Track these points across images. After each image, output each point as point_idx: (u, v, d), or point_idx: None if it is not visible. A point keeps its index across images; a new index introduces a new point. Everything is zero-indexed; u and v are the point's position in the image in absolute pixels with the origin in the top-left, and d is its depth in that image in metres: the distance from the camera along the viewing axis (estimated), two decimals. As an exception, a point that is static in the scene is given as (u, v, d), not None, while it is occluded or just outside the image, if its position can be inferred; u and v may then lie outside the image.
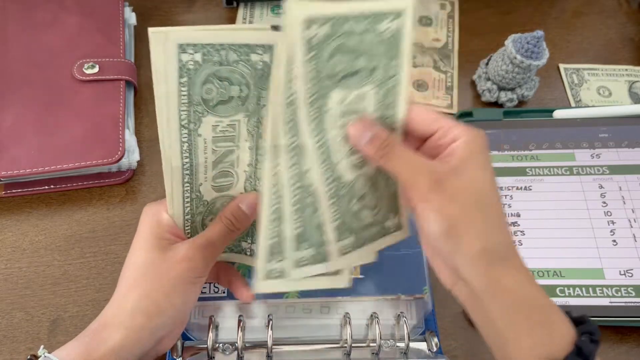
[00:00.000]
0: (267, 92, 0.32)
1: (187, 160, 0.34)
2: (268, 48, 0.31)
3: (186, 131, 0.32)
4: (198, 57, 0.30)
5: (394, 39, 0.31)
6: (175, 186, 0.34)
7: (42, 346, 0.33)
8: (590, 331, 0.30)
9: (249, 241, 0.39)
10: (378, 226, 0.37)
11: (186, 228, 0.36)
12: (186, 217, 0.36)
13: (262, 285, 0.35)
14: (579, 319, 0.31)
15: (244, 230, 0.37)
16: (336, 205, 0.35)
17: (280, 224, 0.34)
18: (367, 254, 0.38)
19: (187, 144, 0.33)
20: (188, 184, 0.35)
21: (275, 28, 0.31)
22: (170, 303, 0.34)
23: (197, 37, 0.30)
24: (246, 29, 0.32)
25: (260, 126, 0.34)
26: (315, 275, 0.36)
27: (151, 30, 0.29)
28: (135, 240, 0.35)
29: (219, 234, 0.35)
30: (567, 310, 0.32)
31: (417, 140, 0.35)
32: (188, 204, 0.35)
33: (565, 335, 0.30)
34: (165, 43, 0.29)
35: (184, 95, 0.31)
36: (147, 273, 0.34)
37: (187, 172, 0.34)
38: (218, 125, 0.33)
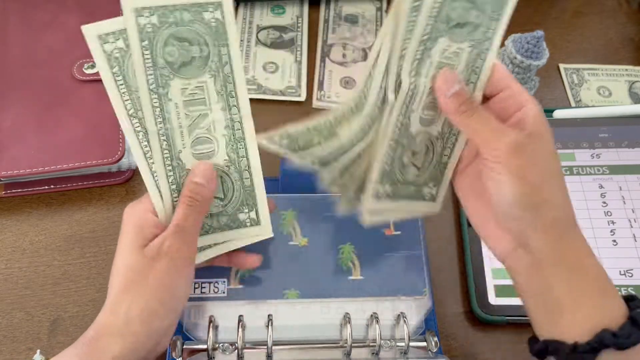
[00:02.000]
0: (227, 48, 0.34)
1: (161, 125, 0.34)
2: (218, 5, 0.32)
3: (156, 95, 0.33)
4: (154, 19, 0.32)
5: None
6: (155, 155, 0.35)
7: (38, 351, 0.32)
8: None
9: (246, 210, 0.38)
10: (416, 187, 0.38)
11: (174, 198, 0.36)
12: (172, 187, 0.36)
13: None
14: (629, 296, 0.32)
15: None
16: (392, 149, 0.35)
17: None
18: (397, 210, 0.38)
19: (158, 109, 0.34)
20: (167, 151, 0.35)
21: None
22: (164, 307, 0.33)
23: (151, 0, 0.31)
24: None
25: (229, 85, 0.35)
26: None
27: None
28: (121, 243, 0.35)
29: (185, 216, 0.35)
30: None
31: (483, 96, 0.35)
32: (171, 173, 0.35)
33: (618, 308, 0.30)
34: (123, 9, 0.31)
35: (147, 59, 0.33)
36: (136, 278, 0.33)
37: (164, 137, 0.35)
38: (186, 88, 0.34)
